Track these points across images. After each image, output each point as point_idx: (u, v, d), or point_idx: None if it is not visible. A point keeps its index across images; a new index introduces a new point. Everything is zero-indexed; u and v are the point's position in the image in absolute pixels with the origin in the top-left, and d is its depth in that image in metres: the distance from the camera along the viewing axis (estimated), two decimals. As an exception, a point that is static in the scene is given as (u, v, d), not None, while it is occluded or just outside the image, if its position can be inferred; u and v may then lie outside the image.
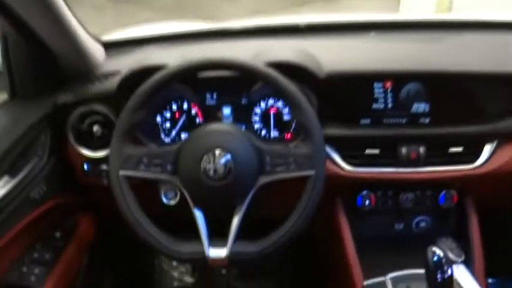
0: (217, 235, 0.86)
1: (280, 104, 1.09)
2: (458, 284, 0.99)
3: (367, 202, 1.09)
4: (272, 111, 1.11)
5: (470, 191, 1.11)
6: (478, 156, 1.04)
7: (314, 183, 0.83)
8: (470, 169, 1.04)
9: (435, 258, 0.88)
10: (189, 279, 1.70)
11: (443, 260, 0.88)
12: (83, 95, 1.03)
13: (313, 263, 1.40)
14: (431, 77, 1.04)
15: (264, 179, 0.86)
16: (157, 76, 0.84)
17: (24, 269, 0.93)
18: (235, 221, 0.85)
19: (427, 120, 1.06)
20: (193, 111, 1.10)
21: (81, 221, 1.15)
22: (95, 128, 1.02)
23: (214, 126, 0.89)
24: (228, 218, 0.86)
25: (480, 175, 1.04)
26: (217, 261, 0.83)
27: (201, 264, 0.83)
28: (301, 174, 0.84)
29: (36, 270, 0.93)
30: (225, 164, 0.82)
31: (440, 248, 0.90)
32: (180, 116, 1.10)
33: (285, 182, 0.88)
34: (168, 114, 1.10)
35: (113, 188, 0.84)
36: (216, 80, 1.06)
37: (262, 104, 1.10)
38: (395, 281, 1.01)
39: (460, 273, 1.03)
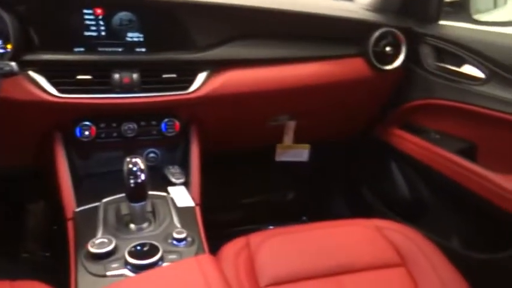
0: None
1: None
2: (173, 200, 1.04)
3: (86, 133, 1.07)
4: None
5: (191, 119, 1.17)
6: (191, 83, 1.10)
7: None
8: (184, 95, 1.09)
9: (130, 166, 0.91)
10: None
11: (136, 167, 0.91)
12: None
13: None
14: (141, 7, 1.06)
15: None
16: None
17: None
18: None
19: (143, 50, 1.08)
20: None
21: None
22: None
23: None
24: None
25: (194, 101, 1.10)
26: None
27: None
28: None
29: None
30: None
31: (136, 158, 0.93)
32: None
33: None
34: None
35: None
36: None
37: None
38: (107, 204, 1.00)
39: (177, 191, 1.07)
